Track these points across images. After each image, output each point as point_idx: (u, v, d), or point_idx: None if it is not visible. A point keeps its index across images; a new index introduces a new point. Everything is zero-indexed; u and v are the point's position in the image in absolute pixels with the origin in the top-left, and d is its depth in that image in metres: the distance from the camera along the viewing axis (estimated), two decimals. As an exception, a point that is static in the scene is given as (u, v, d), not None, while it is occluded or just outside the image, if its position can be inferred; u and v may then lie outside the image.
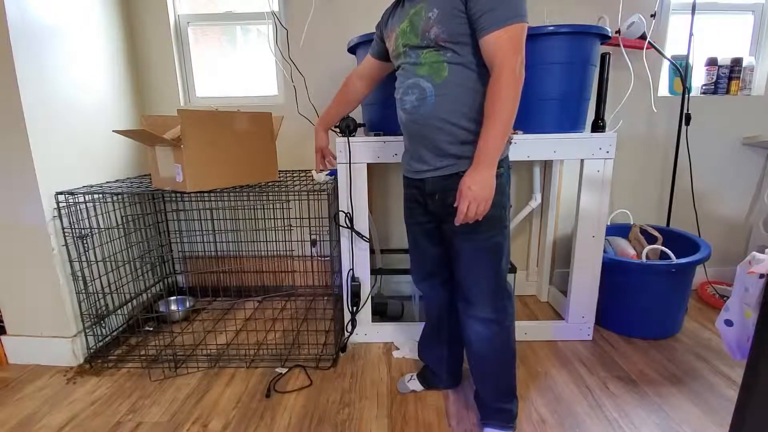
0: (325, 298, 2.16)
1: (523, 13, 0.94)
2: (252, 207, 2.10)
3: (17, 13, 1.37)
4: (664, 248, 1.66)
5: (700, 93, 2.03)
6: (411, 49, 1.06)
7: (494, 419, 1.20)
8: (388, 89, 1.55)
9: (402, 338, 1.72)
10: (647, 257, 1.70)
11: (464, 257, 1.12)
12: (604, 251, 1.73)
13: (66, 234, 1.53)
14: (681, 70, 1.91)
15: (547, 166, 2.00)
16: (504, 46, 0.94)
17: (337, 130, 1.53)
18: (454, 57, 1.01)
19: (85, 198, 1.59)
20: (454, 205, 1.03)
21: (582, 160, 1.55)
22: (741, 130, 2.03)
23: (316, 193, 1.95)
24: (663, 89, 2.04)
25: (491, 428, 1.20)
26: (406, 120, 1.11)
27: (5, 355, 1.61)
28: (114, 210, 1.77)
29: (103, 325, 1.68)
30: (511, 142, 1.13)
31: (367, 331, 1.72)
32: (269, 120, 1.62)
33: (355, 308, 1.65)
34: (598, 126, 1.65)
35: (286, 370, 1.54)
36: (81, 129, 1.65)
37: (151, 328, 1.84)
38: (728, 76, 1.99)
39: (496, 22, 0.93)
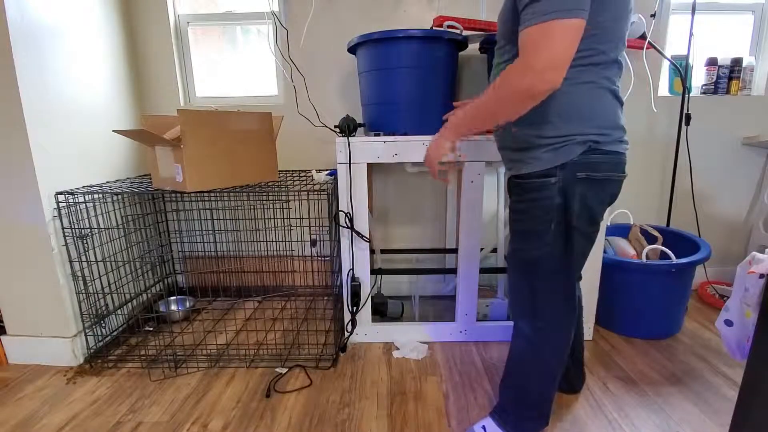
0: (325, 298, 2.16)
1: (568, 7, 0.78)
2: (252, 207, 2.10)
3: (17, 13, 1.37)
4: (664, 248, 1.66)
5: (700, 93, 2.03)
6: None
7: (498, 414, 1.19)
8: (387, 89, 1.56)
9: (402, 338, 1.72)
10: (647, 257, 1.70)
11: (507, 262, 1.13)
12: (604, 251, 1.73)
13: (66, 234, 1.53)
14: (681, 70, 1.91)
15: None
16: (526, 43, 0.82)
17: (337, 129, 1.53)
18: (511, 60, 0.94)
19: (85, 198, 1.59)
20: None
21: (582, 160, 1.55)
22: (741, 130, 2.03)
23: (316, 193, 1.95)
24: (663, 89, 2.04)
25: (491, 419, 1.19)
26: None
27: (5, 355, 1.61)
28: (114, 210, 1.77)
29: (103, 325, 1.68)
30: (562, 145, 0.94)
31: (367, 331, 1.72)
32: (269, 120, 1.62)
33: (355, 308, 1.65)
34: (598, 126, 1.65)
35: (286, 370, 1.54)
36: (81, 129, 1.65)
37: (151, 328, 1.84)
38: (728, 76, 1.99)
39: (531, 17, 0.81)
